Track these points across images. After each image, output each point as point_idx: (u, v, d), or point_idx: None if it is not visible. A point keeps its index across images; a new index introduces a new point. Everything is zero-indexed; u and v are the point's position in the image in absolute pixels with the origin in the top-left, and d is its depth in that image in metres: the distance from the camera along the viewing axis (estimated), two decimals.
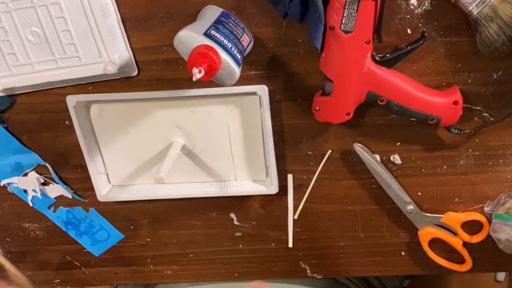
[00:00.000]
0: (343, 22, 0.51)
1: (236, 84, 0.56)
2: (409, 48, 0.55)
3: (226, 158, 0.68)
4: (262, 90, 0.61)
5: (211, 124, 0.66)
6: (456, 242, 0.69)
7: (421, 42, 0.55)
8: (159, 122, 0.66)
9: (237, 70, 0.53)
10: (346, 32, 0.52)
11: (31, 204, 0.74)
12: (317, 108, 0.60)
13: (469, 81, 0.59)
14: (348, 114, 0.59)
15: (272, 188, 0.68)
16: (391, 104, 0.57)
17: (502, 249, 0.64)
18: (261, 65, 0.61)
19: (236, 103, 0.64)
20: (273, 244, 0.75)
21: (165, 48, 0.60)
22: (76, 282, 0.82)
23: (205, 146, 0.68)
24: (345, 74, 0.55)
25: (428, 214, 0.68)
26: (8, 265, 0.73)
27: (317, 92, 0.60)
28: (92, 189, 0.71)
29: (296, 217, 0.71)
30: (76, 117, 0.64)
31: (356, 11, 0.51)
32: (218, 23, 0.54)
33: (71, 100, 0.63)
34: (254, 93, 0.62)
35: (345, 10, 0.51)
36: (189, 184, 0.71)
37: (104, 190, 0.71)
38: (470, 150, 0.64)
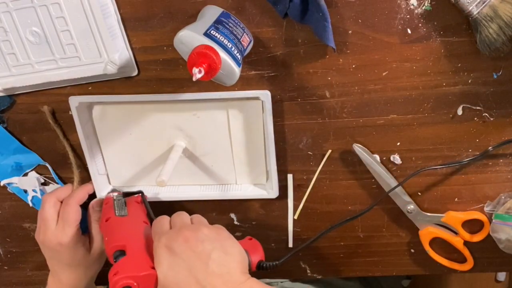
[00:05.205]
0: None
1: (236, 85, 0.56)
2: None
3: (227, 162, 0.68)
4: (265, 95, 0.61)
5: (213, 127, 0.66)
6: (457, 242, 0.69)
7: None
8: (161, 125, 0.66)
9: (237, 70, 0.53)
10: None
11: (31, 204, 0.74)
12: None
13: (469, 81, 0.59)
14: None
15: (272, 192, 0.67)
16: None
17: (502, 249, 0.64)
18: (261, 65, 0.61)
19: (239, 107, 0.64)
20: (273, 244, 0.75)
21: (165, 48, 0.60)
22: None
23: (206, 149, 0.68)
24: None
25: (428, 214, 0.68)
26: None
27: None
28: None
29: (296, 217, 0.71)
30: (78, 118, 0.64)
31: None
32: (218, 23, 0.54)
33: (74, 101, 0.63)
34: (257, 98, 0.62)
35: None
36: (190, 187, 0.71)
37: (104, 191, 0.70)
38: (470, 150, 0.64)
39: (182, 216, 0.56)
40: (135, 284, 0.50)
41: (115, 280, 0.50)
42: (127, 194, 0.68)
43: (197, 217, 0.57)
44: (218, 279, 0.49)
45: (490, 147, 0.63)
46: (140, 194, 0.68)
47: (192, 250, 0.50)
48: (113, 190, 0.70)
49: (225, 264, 0.50)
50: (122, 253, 0.55)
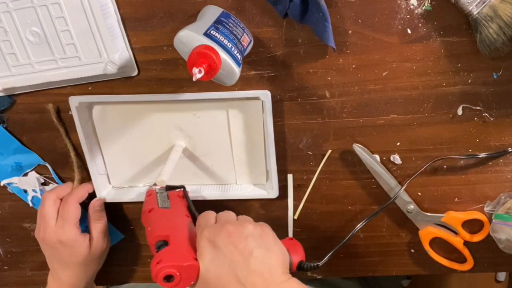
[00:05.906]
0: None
1: (236, 85, 0.56)
2: None
3: (227, 162, 0.68)
4: (265, 95, 0.61)
5: (213, 127, 0.66)
6: (457, 241, 0.69)
7: None
8: (161, 125, 0.66)
9: (237, 70, 0.53)
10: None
11: (31, 204, 0.74)
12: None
13: (469, 81, 0.59)
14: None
15: (272, 192, 0.67)
16: None
17: (502, 249, 0.64)
18: (261, 65, 0.61)
19: (239, 107, 0.64)
20: None
21: (165, 48, 0.60)
22: None
23: (206, 149, 0.68)
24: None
25: (428, 214, 0.68)
26: None
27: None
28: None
29: (296, 217, 0.71)
30: (78, 118, 0.64)
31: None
32: (218, 23, 0.54)
33: (74, 101, 0.63)
34: (257, 98, 0.62)
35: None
36: (190, 187, 0.71)
37: (104, 191, 0.70)
38: (470, 150, 0.64)
39: (228, 213, 0.56)
40: (177, 273, 0.49)
41: (158, 268, 0.50)
42: (169, 188, 0.68)
43: (243, 216, 0.57)
44: (259, 278, 0.48)
45: (509, 148, 0.63)
46: (182, 189, 0.67)
47: (234, 246, 0.49)
48: (155, 184, 0.69)
49: (267, 262, 0.50)
50: (165, 243, 0.55)
